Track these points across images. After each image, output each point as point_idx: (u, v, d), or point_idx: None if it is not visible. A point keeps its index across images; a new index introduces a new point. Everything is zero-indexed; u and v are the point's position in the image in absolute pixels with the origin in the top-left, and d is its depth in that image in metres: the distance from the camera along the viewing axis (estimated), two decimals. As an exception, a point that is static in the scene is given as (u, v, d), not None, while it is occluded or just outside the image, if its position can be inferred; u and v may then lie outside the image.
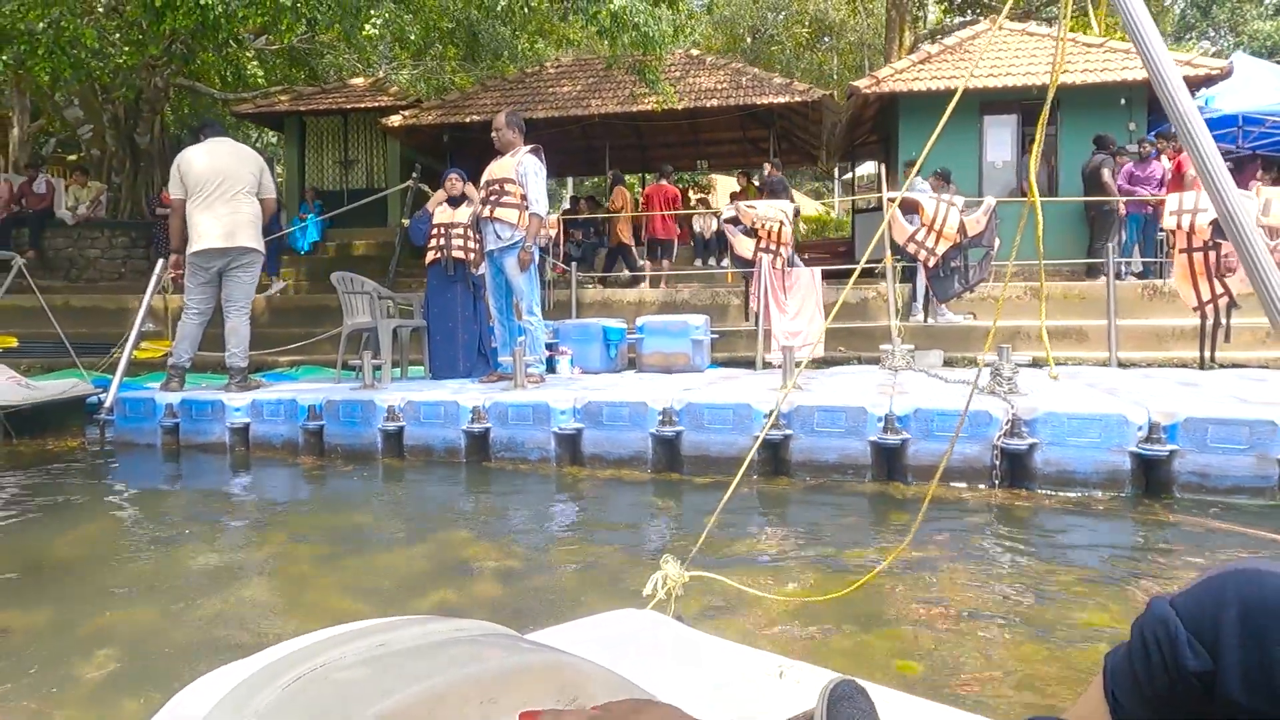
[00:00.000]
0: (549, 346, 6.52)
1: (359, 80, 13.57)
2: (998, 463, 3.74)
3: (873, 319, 9.17)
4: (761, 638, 2.20)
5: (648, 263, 11.42)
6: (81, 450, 5.41)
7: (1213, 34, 31.72)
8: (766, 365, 6.71)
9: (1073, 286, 9.24)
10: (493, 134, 5.52)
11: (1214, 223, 5.76)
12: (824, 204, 24.18)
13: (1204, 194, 5.97)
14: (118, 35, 8.06)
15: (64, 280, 11.39)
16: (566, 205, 16.05)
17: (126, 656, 2.21)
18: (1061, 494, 3.65)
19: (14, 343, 8.84)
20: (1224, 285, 5.94)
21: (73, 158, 15.17)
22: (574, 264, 9.85)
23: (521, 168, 5.44)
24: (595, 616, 1.10)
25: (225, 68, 10.30)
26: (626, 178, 14.28)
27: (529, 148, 5.50)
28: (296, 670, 0.61)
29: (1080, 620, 2.28)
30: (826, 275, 11.15)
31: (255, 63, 9.77)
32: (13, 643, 2.30)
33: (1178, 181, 9.05)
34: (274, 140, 20.24)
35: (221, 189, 5.32)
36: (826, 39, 25.92)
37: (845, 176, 20.68)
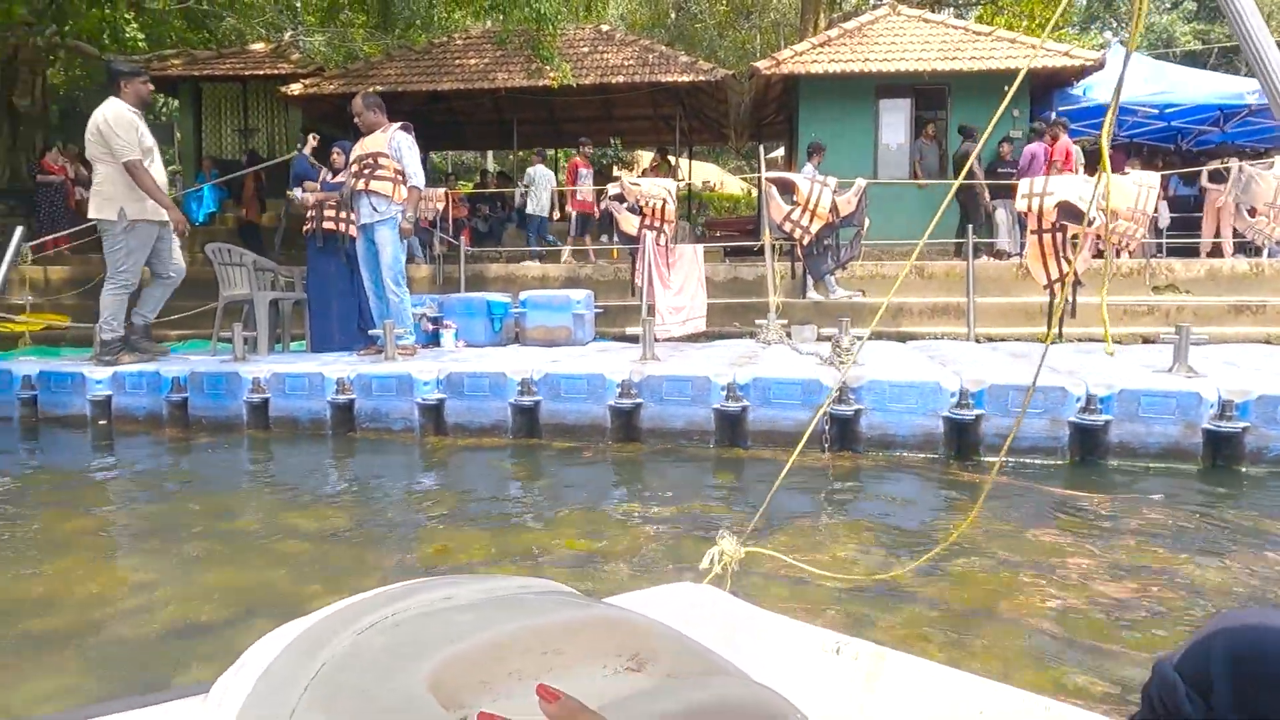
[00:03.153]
0: (434, 320, 6.57)
1: (259, 46, 13.15)
2: (827, 427, 3.99)
3: (766, 295, 9.46)
4: (810, 614, 2.20)
5: (572, 238, 11.42)
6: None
7: (1115, 25, 33.17)
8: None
9: (954, 265, 9.70)
10: (354, 119, 5.54)
11: (1059, 205, 6.16)
12: (742, 179, 24.53)
13: (1052, 179, 6.35)
14: (-21, -8, 7.68)
15: (-64, 250, 10.81)
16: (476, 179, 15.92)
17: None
18: (883, 455, 3.93)
19: (-127, 315, 8.42)
20: (1070, 265, 6.34)
21: (-50, 120, 14.33)
22: (460, 239, 9.86)
23: (394, 142, 5.50)
24: (650, 589, 1.11)
25: (106, 29, 9.87)
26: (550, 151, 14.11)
27: (399, 124, 5.56)
28: (368, 619, 0.64)
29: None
30: (730, 252, 11.42)
31: (135, 25, 9.39)
32: None
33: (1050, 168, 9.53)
34: (176, 107, 19.47)
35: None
36: (751, 17, 26.15)
37: (770, 155, 21.07)
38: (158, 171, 5.26)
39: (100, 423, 5.03)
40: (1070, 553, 2.72)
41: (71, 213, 10.93)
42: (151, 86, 5.51)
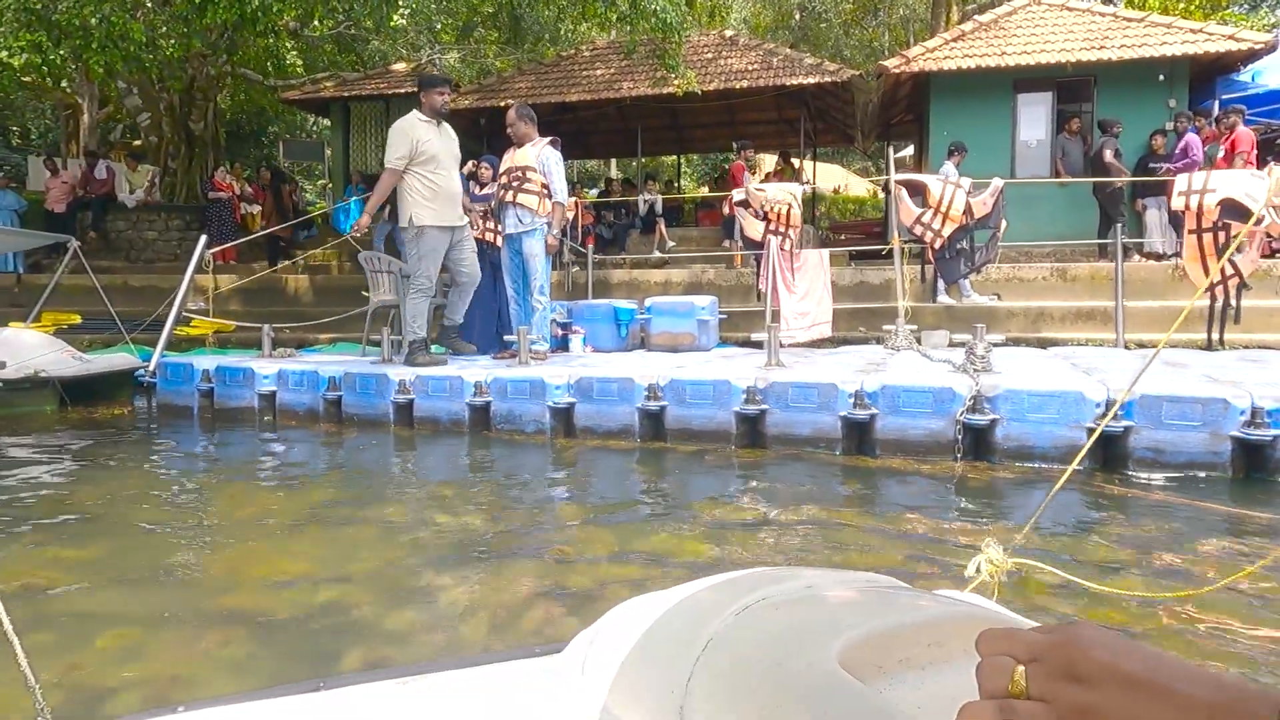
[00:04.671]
0: (563, 326, 6.79)
1: (401, 66, 13.96)
2: (960, 437, 3.88)
3: (895, 300, 9.20)
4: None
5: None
6: (125, 417, 5.89)
7: (1290, 1, 30.15)
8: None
9: (1100, 268, 9.14)
10: (507, 129, 5.80)
11: (1222, 203, 5.72)
12: (872, 181, 23.93)
13: (1214, 174, 5.92)
14: (164, 29, 8.57)
15: (124, 261, 12.09)
16: (601, 187, 16.28)
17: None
18: (1020, 467, 3.78)
19: (77, 319, 9.50)
20: (1234, 266, 5.88)
21: (137, 143, 15.96)
22: (590, 247, 10.10)
23: (543, 157, 5.74)
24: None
25: (268, 57, 10.76)
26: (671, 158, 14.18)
27: (548, 139, 5.80)
28: (741, 601, 0.65)
29: None
30: (856, 256, 11.19)
31: (294, 52, 10.19)
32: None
33: (1228, 160, 8.78)
34: (327, 125, 20.90)
35: None
36: (879, 14, 25.47)
37: (899, 155, 20.48)
38: (447, 179, 5.45)
39: (265, 416, 5.51)
40: None
41: (237, 226, 11.96)
42: (446, 97, 5.47)
